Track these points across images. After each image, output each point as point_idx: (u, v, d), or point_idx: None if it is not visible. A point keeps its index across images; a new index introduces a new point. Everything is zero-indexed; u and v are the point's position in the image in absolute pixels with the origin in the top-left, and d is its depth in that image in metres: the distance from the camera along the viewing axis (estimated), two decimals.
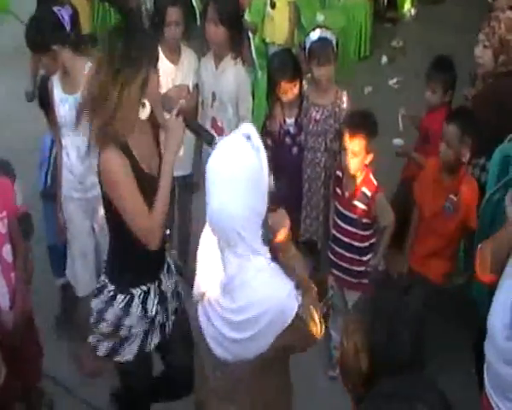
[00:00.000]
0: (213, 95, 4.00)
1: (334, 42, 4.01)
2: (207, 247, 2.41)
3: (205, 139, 2.79)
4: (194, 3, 5.50)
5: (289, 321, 2.25)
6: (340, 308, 3.89)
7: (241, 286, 2.25)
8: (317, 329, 2.37)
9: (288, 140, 4.07)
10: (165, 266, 2.97)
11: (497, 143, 3.47)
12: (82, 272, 3.74)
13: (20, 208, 3.38)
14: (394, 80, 6.55)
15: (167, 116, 2.79)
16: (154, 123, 2.82)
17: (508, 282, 2.58)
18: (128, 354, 2.89)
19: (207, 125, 4.01)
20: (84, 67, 3.46)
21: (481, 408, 2.75)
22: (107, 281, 2.87)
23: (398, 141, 5.02)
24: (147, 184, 2.68)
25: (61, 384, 3.82)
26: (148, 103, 2.64)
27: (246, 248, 2.21)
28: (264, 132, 4.11)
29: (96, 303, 2.88)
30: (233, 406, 2.47)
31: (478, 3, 5.67)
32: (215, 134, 2.99)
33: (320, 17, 6.42)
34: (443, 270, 3.70)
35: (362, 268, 3.73)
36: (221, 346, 2.37)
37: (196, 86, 4.08)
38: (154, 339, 2.94)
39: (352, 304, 3.69)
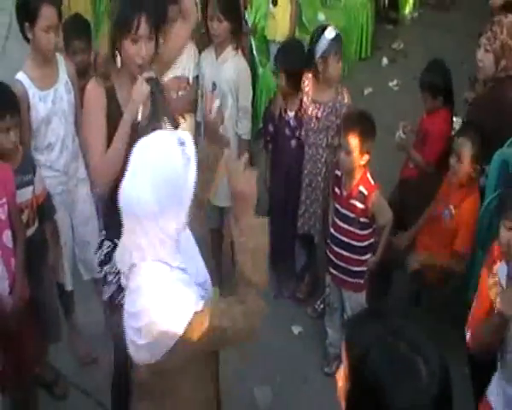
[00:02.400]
0: (213, 85, 4.05)
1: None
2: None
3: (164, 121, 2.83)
4: None
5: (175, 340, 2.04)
6: (337, 306, 3.91)
7: (137, 290, 2.11)
8: (243, 334, 2.19)
9: (287, 131, 4.09)
10: None
11: (497, 148, 3.49)
12: (67, 266, 3.78)
13: (42, 193, 3.43)
14: (394, 82, 6.56)
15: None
16: None
17: None
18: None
19: None
20: (59, 58, 3.60)
21: None
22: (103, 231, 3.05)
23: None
24: None
25: (56, 370, 3.82)
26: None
27: (148, 248, 2.08)
28: (268, 117, 4.17)
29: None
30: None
31: (480, 9, 5.68)
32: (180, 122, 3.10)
33: (321, 16, 6.43)
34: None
35: (359, 268, 3.75)
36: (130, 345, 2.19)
37: (196, 78, 4.12)
38: None
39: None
